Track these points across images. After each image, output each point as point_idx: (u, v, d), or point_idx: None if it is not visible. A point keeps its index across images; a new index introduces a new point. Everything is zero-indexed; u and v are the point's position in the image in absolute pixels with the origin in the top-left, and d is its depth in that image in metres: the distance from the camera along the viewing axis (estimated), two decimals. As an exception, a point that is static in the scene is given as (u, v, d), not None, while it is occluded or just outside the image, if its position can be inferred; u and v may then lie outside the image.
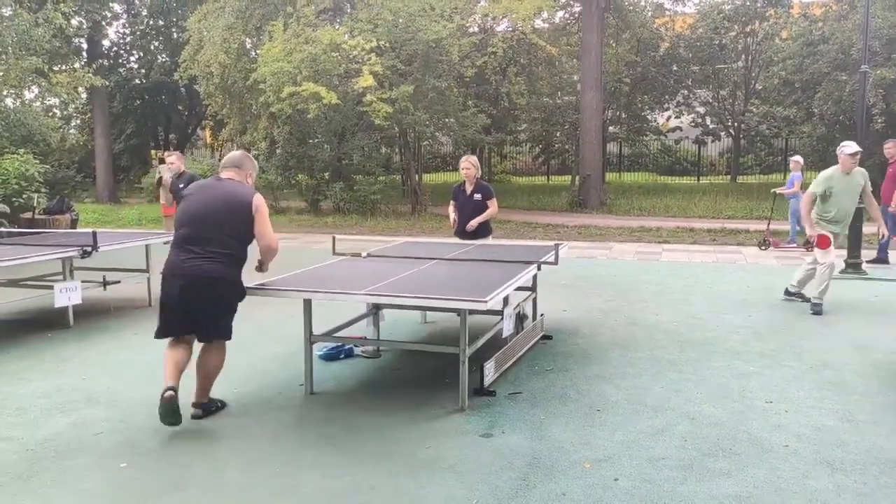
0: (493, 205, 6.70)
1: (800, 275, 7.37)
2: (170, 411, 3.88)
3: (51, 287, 6.54)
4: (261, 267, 4.39)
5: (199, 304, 4.05)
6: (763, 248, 11.39)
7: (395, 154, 22.96)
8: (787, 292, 7.48)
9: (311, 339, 4.60)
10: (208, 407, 4.28)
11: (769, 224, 12.15)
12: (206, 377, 4.23)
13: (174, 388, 3.96)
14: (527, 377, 4.91)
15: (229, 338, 4.25)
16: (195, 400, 4.23)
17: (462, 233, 6.81)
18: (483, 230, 6.78)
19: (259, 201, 4.16)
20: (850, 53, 17.13)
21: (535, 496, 3.21)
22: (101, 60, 24.00)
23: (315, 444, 3.82)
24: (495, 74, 20.45)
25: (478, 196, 6.69)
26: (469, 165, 6.72)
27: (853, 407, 4.32)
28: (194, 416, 4.16)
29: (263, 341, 5.87)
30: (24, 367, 5.29)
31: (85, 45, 24.57)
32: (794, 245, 11.51)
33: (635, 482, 3.34)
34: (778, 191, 12.06)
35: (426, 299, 4.23)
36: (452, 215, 6.89)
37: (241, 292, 4.19)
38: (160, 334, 4.17)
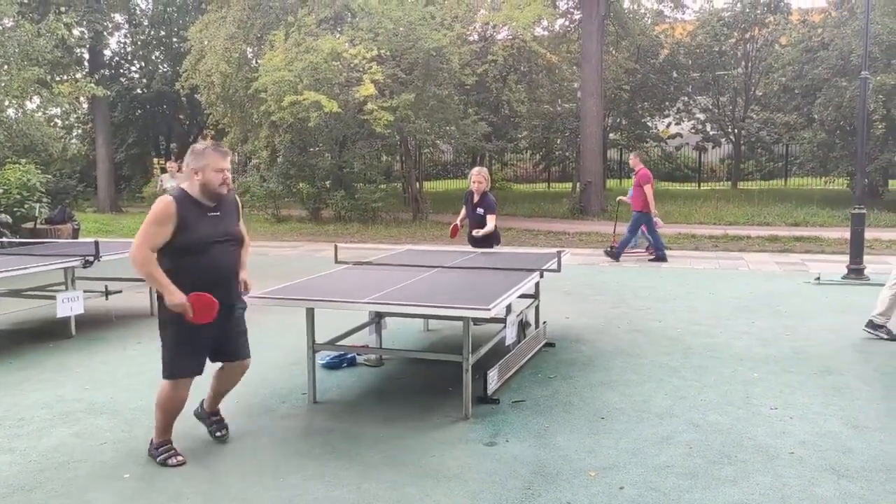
0: (491, 221, 6.68)
1: (887, 302, 6.08)
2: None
3: (53, 297, 6.54)
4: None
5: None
6: (609, 254, 11.34)
7: (396, 162, 23.01)
8: (872, 325, 6.13)
9: (313, 347, 4.59)
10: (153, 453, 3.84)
11: (615, 229, 12.33)
12: (225, 392, 4.14)
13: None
14: (530, 385, 4.89)
15: (165, 374, 3.75)
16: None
17: (471, 239, 6.85)
18: (489, 240, 6.79)
19: (154, 207, 3.58)
20: (850, 59, 17.16)
21: (540, 505, 3.20)
22: (102, 70, 24.09)
23: (319, 453, 3.81)
24: (496, 82, 20.51)
25: (480, 210, 6.73)
26: (481, 179, 6.73)
27: (858, 413, 4.30)
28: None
29: (266, 350, 5.86)
30: (25, 377, 5.28)
31: (87, 56, 24.66)
32: (640, 251, 11.79)
33: (641, 490, 3.32)
34: (621, 199, 12.47)
35: (429, 307, 4.22)
36: (456, 220, 6.96)
37: (162, 317, 3.72)
38: None
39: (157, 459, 3.71)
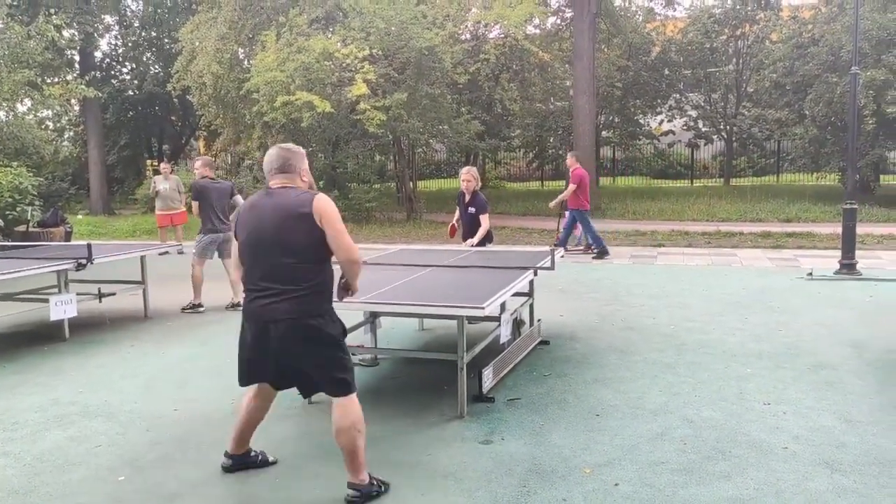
0: (485, 220, 6.70)
1: None
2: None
3: (46, 300, 6.52)
4: (347, 288, 3.46)
5: (289, 358, 3.26)
6: (554, 249, 11.48)
7: (390, 161, 22.98)
8: None
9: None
10: (367, 490, 3.29)
11: (559, 226, 12.52)
12: (344, 449, 3.28)
13: (232, 456, 3.56)
14: (525, 383, 4.91)
15: (352, 388, 3.33)
16: (349, 478, 3.31)
17: (464, 239, 6.89)
18: (483, 239, 6.80)
19: (322, 205, 3.21)
20: (841, 55, 17.23)
21: (536, 502, 3.21)
22: (93, 72, 23.98)
23: (314, 453, 3.81)
24: (488, 81, 20.51)
25: (472, 209, 6.74)
26: (470, 178, 6.75)
27: (851, 407, 4.33)
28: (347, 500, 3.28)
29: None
30: (19, 381, 5.26)
31: (77, 57, 24.55)
32: (581, 248, 12.00)
33: (636, 487, 3.34)
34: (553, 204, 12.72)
35: (424, 306, 4.23)
36: (453, 220, 6.99)
37: (338, 325, 3.34)
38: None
39: (382, 490, 3.30)
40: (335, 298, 3.38)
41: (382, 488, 3.32)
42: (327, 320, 3.26)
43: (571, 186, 11.24)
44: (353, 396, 3.30)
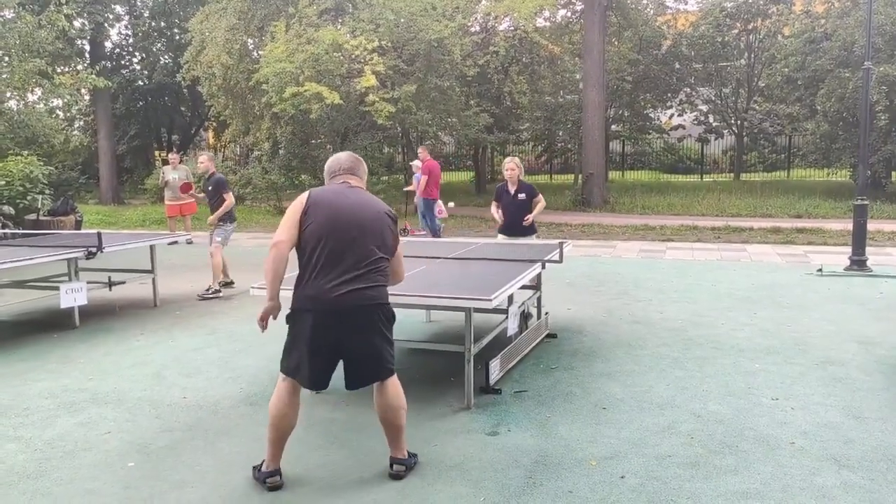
0: (541, 199, 6.83)
1: None
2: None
3: (56, 288, 6.57)
4: None
5: (359, 341, 3.29)
6: (403, 234, 12.00)
7: (398, 154, 22.97)
8: None
9: None
10: (410, 462, 3.49)
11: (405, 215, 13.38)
12: (392, 426, 3.44)
13: (278, 472, 3.35)
14: (532, 375, 4.91)
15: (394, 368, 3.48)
16: (392, 454, 3.48)
17: (510, 230, 6.86)
18: (531, 228, 6.86)
19: (392, 217, 3.47)
20: (853, 50, 17.08)
21: (542, 494, 3.22)
22: (103, 62, 24.05)
23: (321, 443, 3.83)
24: (497, 74, 20.44)
25: (522, 196, 6.78)
26: (514, 167, 6.79)
27: (859, 403, 4.31)
28: (393, 475, 3.42)
29: (269, 341, 5.87)
30: (30, 367, 5.31)
31: (87, 47, 24.61)
32: (424, 233, 12.63)
33: (642, 479, 3.34)
34: (406, 188, 13.83)
35: (431, 298, 4.24)
36: (497, 214, 6.95)
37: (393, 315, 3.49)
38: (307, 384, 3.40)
39: (415, 462, 3.50)
40: None
41: (415, 459, 3.55)
42: (389, 307, 3.42)
43: (424, 178, 12.15)
44: (396, 377, 3.46)
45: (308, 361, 3.27)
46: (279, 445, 3.34)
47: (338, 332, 3.24)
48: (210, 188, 8.11)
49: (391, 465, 3.43)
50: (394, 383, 3.42)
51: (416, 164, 13.77)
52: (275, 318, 3.40)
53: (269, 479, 3.30)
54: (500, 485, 3.31)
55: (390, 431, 3.43)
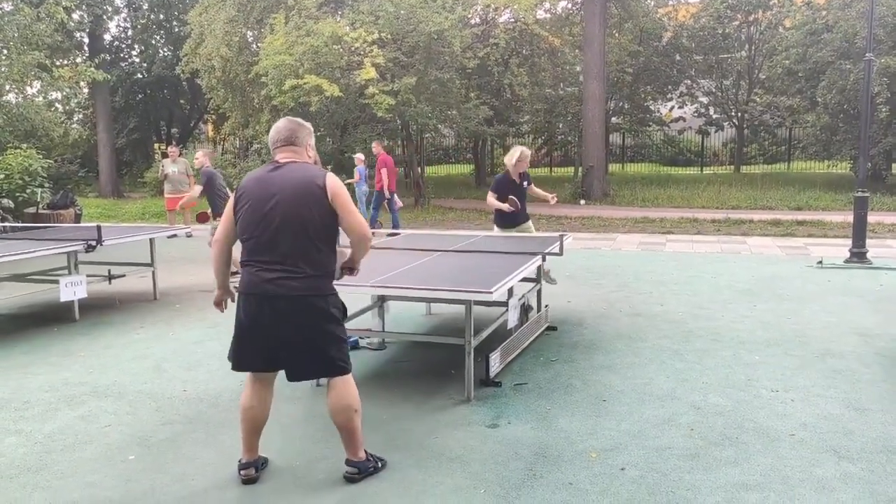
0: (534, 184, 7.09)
1: None
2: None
3: (56, 281, 6.56)
4: (351, 269, 3.47)
5: (289, 332, 3.16)
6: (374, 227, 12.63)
7: (398, 146, 22.92)
8: None
9: None
10: (364, 467, 3.34)
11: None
12: (341, 428, 3.31)
13: (251, 464, 3.33)
14: (532, 368, 4.91)
15: (348, 368, 3.32)
16: (347, 456, 3.36)
17: (516, 220, 6.86)
18: (526, 213, 6.99)
19: (334, 184, 3.18)
20: (855, 42, 17.02)
21: (542, 486, 3.22)
22: (102, 55, 23.97)
23: (322, 436, 3.83)
24: (497, 66, 20.37)
25: (525, 183, 6.92)
26: (526, 158, 6.88)
27: (859, 395, 4.32)
28: (346, 476, 3.32)
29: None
30: (30, 360, 5.31)
31: (86, 40, 24.54)
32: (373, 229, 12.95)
33: (642, 471, 3.34)
34: (349, 181, 14.43)
35: (432, 291, 4.23)
36: (506, 206, 6.71)
37: (339, 308, 3.30)
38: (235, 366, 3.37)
39: (379, 466, 3.37)
40: (336, 278, 3.34)
41: (380, 464, 3.39)
42: (332, 300, 3.25)
43: (384, 171, 12.70)
44: (349, 377, 3.29)
45: (237, 343, 3.28)
46: (248, 438, 3.35)
47: (269, 320, 3.15)
48: (205, 183, 8.15)
49: (346, 466, 3.33)
50: (338, 383, 3.25)
51: (359, 156, 14.67)
52: (225, 305, 3.59)
53: (242, 471, 3.32)
54: (500, 477, 3.31)
55: (341, 433, 3.31)
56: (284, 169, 3.22)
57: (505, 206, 6.70)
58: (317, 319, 3.16)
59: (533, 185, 7.08)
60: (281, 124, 3.33)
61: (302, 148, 3.31)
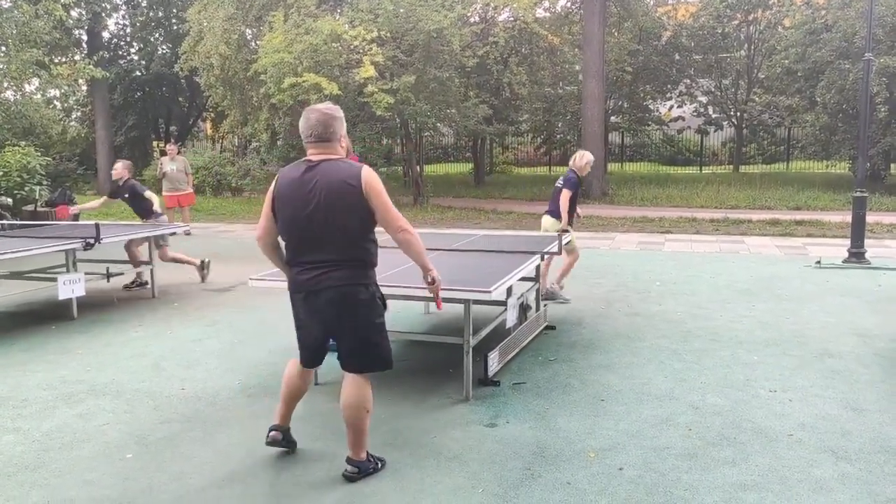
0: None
1: None
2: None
3: (54, 279, 6.56)
4: (431, 281, 3.39)
5: (335, 321, 3.21)
6: None
7: (397, 145, 22.92)
8: None
9: None
10: (365, 467, 3.33)
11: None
12: (350, 426, 3.31)
13: (279, 429, 3.50)
14: (531, 367, 4.91)
15: (387, 365, 3.34)
16: (349, 454, 3.35)
17: (569, 222, 7.16)
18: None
19: (369, 179, 3.11)
20: (854, 42, 17.03)
21: (540, 485, 3.22)
22: (101, 52, 23.95)
23: (320, 435, 3.83)
24: (497, 64, 20.37)
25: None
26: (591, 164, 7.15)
27: (857, 395, 4.32)
28: (345, 475, 3.31)
29: (268, 333, 5.88)
30: (28, 359, 5.30)
31: (85, 37, 24.51)
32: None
33: (640, 471, 3.34)
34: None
35: (430, 290, 4.21)
36: (579, 211, 7.28)
37: (382, 299, 3.32)
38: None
39: (379, 467, 3.37)
40: (437, 307, 3.48)
41: (379, 465, 3.40)
42: (371, 293, 3.23)
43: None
44: (368, 376, 3.32)
45: (299, 340, 3.42)
46: (283, 405, 3.52)
47: (315, 312, 3.23)
48: (127, 195, 8.04)
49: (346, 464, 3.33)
50: (356, 380, 3.27)
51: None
52: None
53: (270, 432, 3.48)
54: (498, 476, 3.31)
55: (348, 430, 3.31)
56: (319, 169, 3.15)
57: (574, 217, 7.15)
58: (357, 307, 3.19)
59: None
60: (313, 116, 3.19)
61: (335, 142, 3.21)
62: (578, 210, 7.30)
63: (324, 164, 3.15)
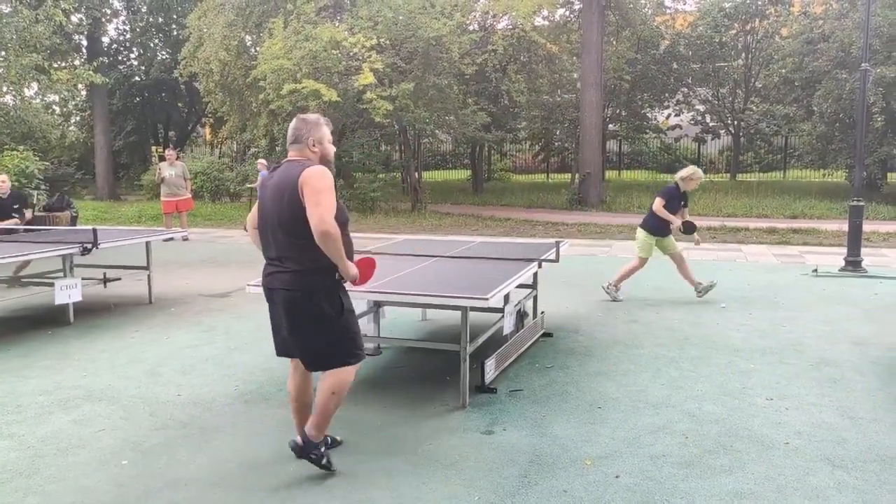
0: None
1: None
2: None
3: (51, 284, 6.54)
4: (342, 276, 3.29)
5: (285, 324, 3.32)
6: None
7: (395, 152, 22.97)
8: None
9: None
10: (311, 447, 3.39)
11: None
12: (318, 406, 3.38)
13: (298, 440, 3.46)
14: (528, 374, 4.91)
15: (353, 359, 3.39)
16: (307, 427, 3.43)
17: (663, 231, 7.34)
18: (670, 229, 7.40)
19: (309, 174, 3.13)
20: (851, 51, 17.11)
21: (537, 493, 3.22)
22: (101, 58, 23.95)
23: (316, 440, 3.82)
24: (495, 72, 20.44)
25: (683, 203, 7.46)
26: (699, 180, 7.38)
27: (853, 404, 4.32)
28: (290, 445, 3.41)
29: (265, 339, 5.87)
30: (24, 364, 5.29)
31: (85, 42, 24.57)
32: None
33: (637, 479, 3.34)
34: (249, 185, 15.19)
35: (428, 297, 4.23)
36: (676, 220, 7.31)
37: (331, 304, 3.26)
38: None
39: (322, 463, 3.39)
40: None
41: (324, 460, 3.40)
42: (315, 300, 3.22)
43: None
44: (349, 369, 3.35)
45: (272, 332, 3.50)
46: (296, 415, 3.54)
47: (274, 311, 3.39)
48: (17, 207, 8.11)
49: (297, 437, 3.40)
50: (333, 371, 3.32)
51: (261, 161, 15.35)
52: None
53: (291, 442, 3.48)
54: (494, 484, 3.31)
55: (315, 409, 3.38)
56: (280, 169, 3.33)
57: (675, 221, 7.17)
58: (301, 315, 3.26)
59: (687, 209, 7.42)
60: (291, 123, 3.40)
61: (303, 145, 3.32)
62: (677, 218, 7.30)
63: (285, 165, 3.32)
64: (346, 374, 3.36)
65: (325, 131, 3.38)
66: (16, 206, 8.17)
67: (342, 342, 3.34)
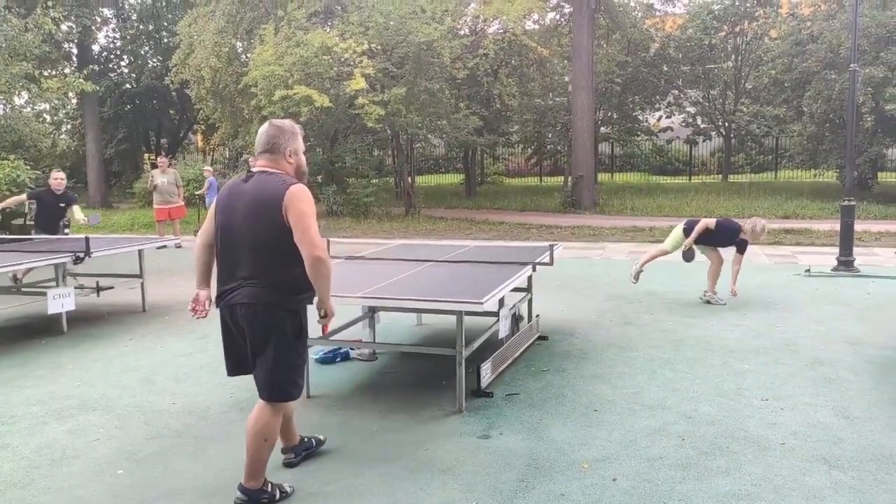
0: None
1: None
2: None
3: (44, 293, 6.51)
4: (320, 308, 3.23)
5: (244, 339, 3.15)
6: None
7: (388, 156, 22.97)
8: None
9: (307, 342, 4.58)
10: (256, 497, 3.17)
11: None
12: (247, 452, 3.18)
13: (287, 450, 3.52)
14: (523, 378, 4.91)
15: (290, 395, 3.21)
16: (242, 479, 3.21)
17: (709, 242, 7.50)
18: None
19: (291, 196, 3.02)
20: (839, 52, 17.23)
21: (534, 497, 3.21)
22: (91, 65, 23.93)
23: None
24: (487, 76, 20.49)
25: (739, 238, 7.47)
26: (761, 233, 7.42)
27: (848, 403, 4.34)
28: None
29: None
30: (17, 374, 5.26)
31: (75, 50, 24.50)
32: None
33: (634, 482, 3.34)
34: (198, 192, 15.57)
35: (422, 301, 4.22)
36: (694, 249, 7.43)
37: (295, 326, 3.16)
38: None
39: (277, 499, 3.19)
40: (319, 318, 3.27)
41: (277, 494, 3.20)
42: (282, 319, 3.09)
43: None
44: (279, 406, 3.18)
45: (223, 349, 3.28)
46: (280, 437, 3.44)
47: (232, 327, 3.16)
48: (62, 204, 8.34)
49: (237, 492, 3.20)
50: (263, 406, 3.15)
51: (207, 168, 15.61)
52: (204, 306, 3.37)
53: (283, 454, 3.55)
54: (492, 488, 3.30)
55: (246, 457, 3.17)
56: (254, 179, 3.13)
57: (687, 243, 7.25)
58: (267, 332, 3.08)
59: (742, 256, 7.44)
60: (262, 129, 3.21)
61: (280, 155, 3.17)
62: (690, 242, 7.32)
63: (259, 176, 3.13)
64: (276, 420, 3.18)
65: (301, 142, 3.25)
66: (62, 205, 8.29)
67: (293, 368, 3.17)
